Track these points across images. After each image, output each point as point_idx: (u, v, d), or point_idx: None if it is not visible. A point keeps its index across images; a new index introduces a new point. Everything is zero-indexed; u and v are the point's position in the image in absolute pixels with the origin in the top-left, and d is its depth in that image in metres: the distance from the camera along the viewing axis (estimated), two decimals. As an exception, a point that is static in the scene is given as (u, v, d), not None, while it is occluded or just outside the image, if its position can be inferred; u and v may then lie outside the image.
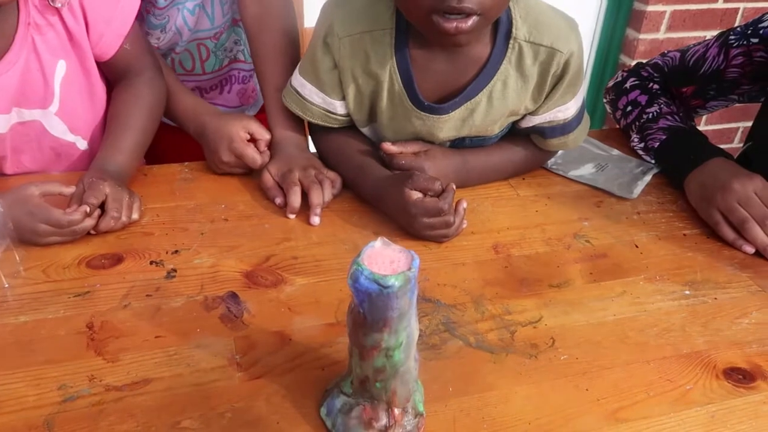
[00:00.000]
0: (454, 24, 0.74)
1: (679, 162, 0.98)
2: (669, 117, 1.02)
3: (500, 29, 0.85)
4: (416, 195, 0.83)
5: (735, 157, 1.01)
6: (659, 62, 1.11)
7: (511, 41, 0.85)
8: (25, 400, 0.61)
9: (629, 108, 1.08)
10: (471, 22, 0.75)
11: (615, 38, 2.25)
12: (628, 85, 1.10)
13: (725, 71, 1.02)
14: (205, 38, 1.10)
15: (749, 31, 0.99)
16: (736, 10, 2.25)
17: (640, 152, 1.05)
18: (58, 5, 0.84)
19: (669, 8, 2.15)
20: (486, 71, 0.87)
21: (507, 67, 0.87)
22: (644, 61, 1.15)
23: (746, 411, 0.65)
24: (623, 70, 1.15)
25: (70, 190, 0.82)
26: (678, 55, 1.09)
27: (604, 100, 1.18)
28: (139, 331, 0.70)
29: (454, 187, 0.84)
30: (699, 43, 1.07)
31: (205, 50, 1.12)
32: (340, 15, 0.86)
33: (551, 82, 0.88)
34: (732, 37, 1.01)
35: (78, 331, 0.69)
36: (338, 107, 0.93)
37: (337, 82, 0.90)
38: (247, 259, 0.81)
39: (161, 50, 1.09)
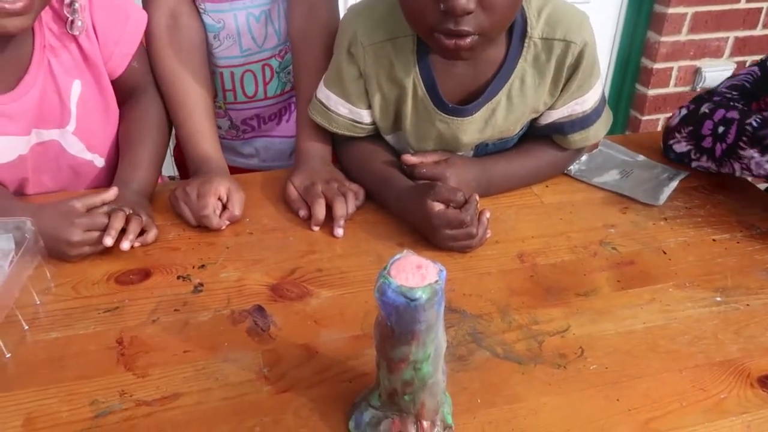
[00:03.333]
0: (453, 42, 0.76)
1: None
2: None
3: (515, 29, 0.86)
4: (439, 206, 0.83)
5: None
6: (735, 83, 1.03)
7: (527, 40, 0.86)
8: (58, 416, 0.62)
9: (721, 128, 0.94)
10: (470, 40, 0.76)
11: (636, 41, 2.23)
12: (705, 109, 0.98)
13: None
14: (270, 57, 1.08)
15: None
16: (760, 9, 2.22)
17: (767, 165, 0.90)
18: (76, 33, 0.86)
19: (690, 10, 2.12)
20: (503, 71, 0.88)
21: (523, 65, 0.88)
22: (706, 91, 1.04)
23: (783, 420, 0.64)
24: (683, 106, 1.03)
25: (110, 195, 0.83)
26: (756, 68, 1.02)
27: (672, 141, 1.03)
28: (168, 346, 0.70)
29: (477, 197, 0.84)
30: None
31: (269, 71, 1.10)
32: (363, 24, 0.87)
33: (567, 74, 0.89)
34: None
35: (108, 347, 0.70)
36: (365, 116, 0.94)
37: (363, 91, 0.91)
38: (273, 273, 0.81)
39: (219, 67, 1.07)
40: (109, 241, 0.79)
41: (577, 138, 0.96)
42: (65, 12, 0.86)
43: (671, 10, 2.10)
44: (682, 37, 2.17)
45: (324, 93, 0.94)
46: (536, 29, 0.86)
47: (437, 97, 0.89)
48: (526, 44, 0.87)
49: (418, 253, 0.53)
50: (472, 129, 0.92)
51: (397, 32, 0.86)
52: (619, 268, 0.84)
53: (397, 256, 0.52)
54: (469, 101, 0.90)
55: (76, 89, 0.90)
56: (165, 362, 0.68)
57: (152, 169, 0.94)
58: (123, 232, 0.81)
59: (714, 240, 0.89)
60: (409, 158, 0.92)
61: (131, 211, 0.83)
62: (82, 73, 0.91)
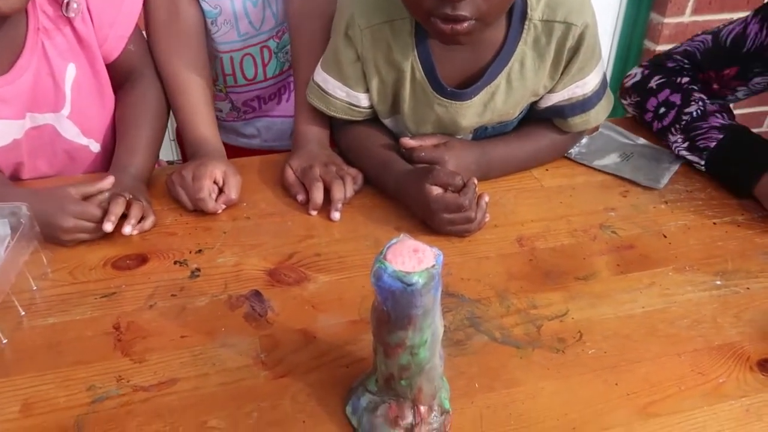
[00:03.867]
0: (450, 26, 0.75)
1: (746, 163, 0.92)
2: (718, 115, 0.97)
3: (515, 11, 0.84)
4: (437, 190, 0.82)
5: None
6: (688, 48, 1.07)
7: (527, 22, 0.85)
8: (55, 402, 0.62)
9: (662, 110, 1.02)
10: (467, 25, 0.74)
11: (639, 23, 2.20)
12: (653, 84, 1.05)
13: None
14: (268, 39, 1.07)
15: None
16: (764, -11, 2.19)
17: (684, 152, 0.99)
18: (72, 15, 0.85)
19: (694, -10, 2.09)
20: (503, 54, 0.87)
21: (523, 48, 0.86)
22: (664, 52, 1.10)
23: (782, 404, 0.63)
24: (641, 65, 1.10)
25: (107, 184, 0.82)
26: (709, 37, 1.04)
27: (624, 102, 1.11)
28: (165, 331, 0.70)
29: (476, 181, 0.83)
30: (732, 23, 1.02)
31: (267, 52, 1.10)
32: (360, 6, 0.86)
33: (567, 56, 0.88)
34: None
35: (105, 332, 0.70)
36: (362, 99, 0.93)
37: (360, 75, 0.90)
38: (270, 257, 0.81)
39: (219, 52, 1.06)
40: (109, 226, 0.79)
41: (577, 121, 0.94)
42: None
43: (674, -9, 2.07)
44: (686, 18, 2.14)
45: (321, 76, 0.93)
46: (536, 11, 0.84)
47: (436, 80, 0.88)
48: (526, 26, 0.85)
49: (416, 237, 0.53)
50: (471, 113, 0.91)
51: (394, 14, 0.85)
52: (618, 251, 0.83)
53: (394, 241, 0.52)
54: (468, 85, 0.89)
55: (70, 72, 0.89)
56: (162, 348, 0.68)
57: (149, 154, 0.93)
58: (124, 217, 0.81)
59: (714, 223, 0.89)
60: (408, 141, 0.91)
61: (131, 196, 0.83)
62: (76, 57, 0.89)
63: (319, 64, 0.93)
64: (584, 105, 0.93)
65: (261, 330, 0.71)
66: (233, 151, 0.97)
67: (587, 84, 0.91)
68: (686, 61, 1.06)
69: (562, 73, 0.90)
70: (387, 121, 0.97)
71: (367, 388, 0.60)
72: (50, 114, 0.91)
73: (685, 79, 1.04)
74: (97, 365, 0.66)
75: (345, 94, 0.92)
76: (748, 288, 0.77)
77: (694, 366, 0.67)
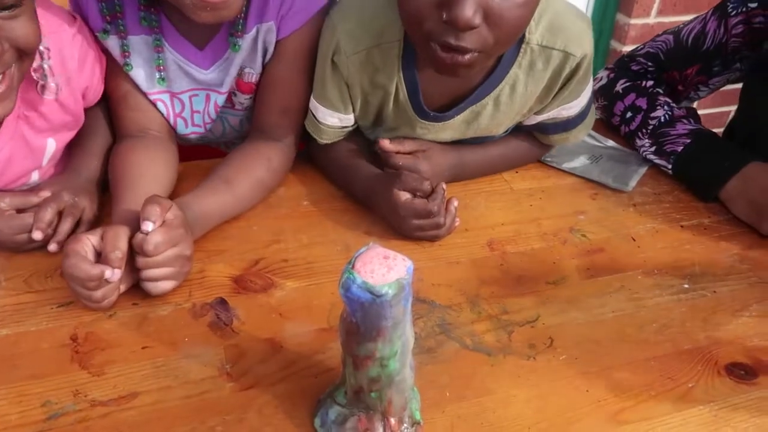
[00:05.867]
0: (451, 56, 0.69)
1: (712, 168, 0.93)
2: (685, 120, 0.98)
3: None
4: (405, 196, 0.80)
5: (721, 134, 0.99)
6: (650, 50, 1.08)
7: (524, 45, 0.81)
8: (8, 419, 0.59)
9: (629, 114, 1.03)
10: (469, 57, 0.69)
11: (606, 24, 2.22)
12: (619, 88, 1.05)
13: (727, 44, 0.99)
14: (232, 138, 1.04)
15: None
16: (727, -8, 2.23)
17: (651, 156, 0.99)
18: (50, 97, 0.79)
19: (659, -8, 2.12)
20: (494, 76, 0.83)
21: (516, 72, 0.83)
22: (627, 54, 1.10)
23: (749, 408, 0.64)
24: (607, 68, 1.10)
25: (37, 200, 0.78)
26: (671, 37, 1.06)
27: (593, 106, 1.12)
28: (126, 342, 0.67)
29: (444, 186, 0.82)
30: (692, 21, 1.04)
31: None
32: (347, 31, 0.81)
33: (561, 83, 0.85)
34: (730, 5, 0.98)
35: (62, 344, 0.67)
36: (351, 119, 0.90)
37: (347, 97, 0.87)
38: (236, 263, 0.79)
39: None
40: (38, 234, 0.75)
41: (557, 138, 0.94)
42: (34, 76, 0.78)
43: (640, -7, 2.09)
44: (651, 19, 2.17)
45: (313, 103, 0.89)
46: (535, 35, 0.80)
47: (418, 104, 0.85)
48: (522, 49, 0.81)
49: (387, 242, 0.52)
50: (452, 131, 0.89)
51: (383, 38, 0.80)
52: (588, 255, 0.83)
53: (363, 249, 0.50)
54: (453, 104, 0.86)
55: (50, 147, 0.84)
56: (122, 359, 0.65)
57: (104, 159, 0.89)
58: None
59: (682, 226, 0.89)
60: (386, 144, 0.88)
61: (74, 200, 0.79)
62: (55, 131, 0.84)
63: (313, 91, 0.89)
64: (567, 125, 0.92)
65: (226, 340, 0.68)
66: (215, 154, 0.94)
67: (573, 107, 0.90)
68: (650, 63, 1.07)
69: (552, 98, 0.87)
70: (367, 132, 0.95)
71: (336, 400, 0.58)
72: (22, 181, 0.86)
73: (650, 83, 1.04)
74: (53, 379, 0.63)
75: (337, 120, 0.88)
76: (714, 291, 0.78)
77: (663, 371, 0.67)
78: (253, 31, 0.85)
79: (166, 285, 0.72)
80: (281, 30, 0.86)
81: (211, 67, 0.89)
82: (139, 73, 0.87)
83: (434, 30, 0.68)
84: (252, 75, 0.90)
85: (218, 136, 1.01)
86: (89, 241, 0.69)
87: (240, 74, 0.90)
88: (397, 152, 0.89)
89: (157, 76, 0.88)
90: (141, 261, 0.69)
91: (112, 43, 0.85)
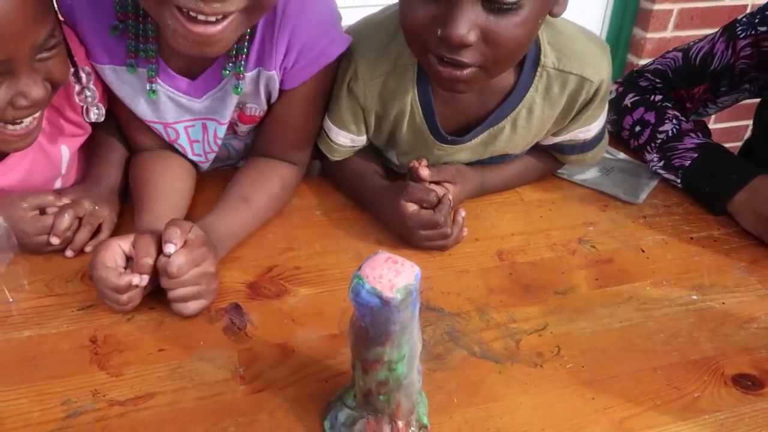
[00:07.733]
0: (449, 71, 0.70)
1: (719, 181, 0.93)
2: (693, 134, 0.98)
3: (528, 56, 0.81)
4: (412, 207, 0.82)
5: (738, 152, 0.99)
6: (659, 67, 1.08)
7: (539, 69, 0.81)
8: (29, 416, 0.61)
9: (638, 128, 1.04)
10: (467, 72, 0.70)
11: (622, 38, 2.23)
12: (628, 102, 1.06)
13: (735, 65, 1.00)
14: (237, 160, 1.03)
15: (756, 20, 0.97)
16: (745, 6, 2.22)
17: (660, 170, 1.00)
18: (94, 119, 0.82)
19: (676, 6, 2.13)
20: (511, 99, 0.84)
21: (533, 95, 0.84)
22: (637, 69, 1.11)
23: (756, 419, 0.64)
24: (616, 83, 1.10)
25: (59, 200, 0.81)
26: (679, 55, 1.06)
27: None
28: (143, 345, 0.70)
29: (450, 197, 0.83)
30: (701, 40, 1.05)
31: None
32: (364, 57, 0.83)
33: (578, 108, 0.86)
34: (739, 27, 0.99)
35: (81, 345, 0.69)
36: (365, 139, 0.91)
37: (362, 120, 0.88)
38: (251, 270, 0.81)
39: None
40: (55, 240, 0.78)
41: (573, 158, 0.96)
42: (77, 99, 0.80)
43: (657, 7, 2.10)
44: (668, 33, 2.18)
45: (327, 124, 0.90)
46: (550, 58, 0.81)
47: (434, 126, 0.86)
48: (538, 73, 0.81)
49: (397, 251, 0.53)
50: (469, 152, 0.90)
51: (398, 62, 0.82)
52: (597, 266, 0.84)
53: (372, 256, 0.52)
54: (470, 127, 0.87)
55: (65, 154, 0.87)
56: (140, 361, 0.68)
57: (124, 169, 0.92)
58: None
59: (691, 238, 0.90)
60: (423, 170, 0.84)
61: (93, 209, 0.82)
62: (65, 138, 0.86)
63: (327, 112, 0.90)
64: (584, 147, 0.94)
65: (240, 344, 0.70)
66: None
67: (590, 131, 0.91)
68: (658, 80, 1.08)
69: (570, 122, 0.88)
70: (381, 148, 0.96)
71: (346, 403, 0.60)
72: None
73: (658, 97, 1.05)
74: (73, 379, 0.65)
75: (349, 140, 0.90)
76: (723, 303, 0.78)
77: (669, 381, 0.68)
78: (254, 72, 0.82)
79: (196, 305, 0.72)
80: (286, 82, 0.83)
81: (203, 96, 0.85)
82: (132, 101, 0.85)
83: (431, 42, 0.69)
84: (256, 110, 0.88)
85: (223, 160, 1.01)
86: (120, 248, 0.72)
87: (241, 107, 0.88)
88: (431, 183, 0.86)
89: (149, 107, 0.85)
90: (166, 282, 0.70)
91: (109, 71, 0.82)
